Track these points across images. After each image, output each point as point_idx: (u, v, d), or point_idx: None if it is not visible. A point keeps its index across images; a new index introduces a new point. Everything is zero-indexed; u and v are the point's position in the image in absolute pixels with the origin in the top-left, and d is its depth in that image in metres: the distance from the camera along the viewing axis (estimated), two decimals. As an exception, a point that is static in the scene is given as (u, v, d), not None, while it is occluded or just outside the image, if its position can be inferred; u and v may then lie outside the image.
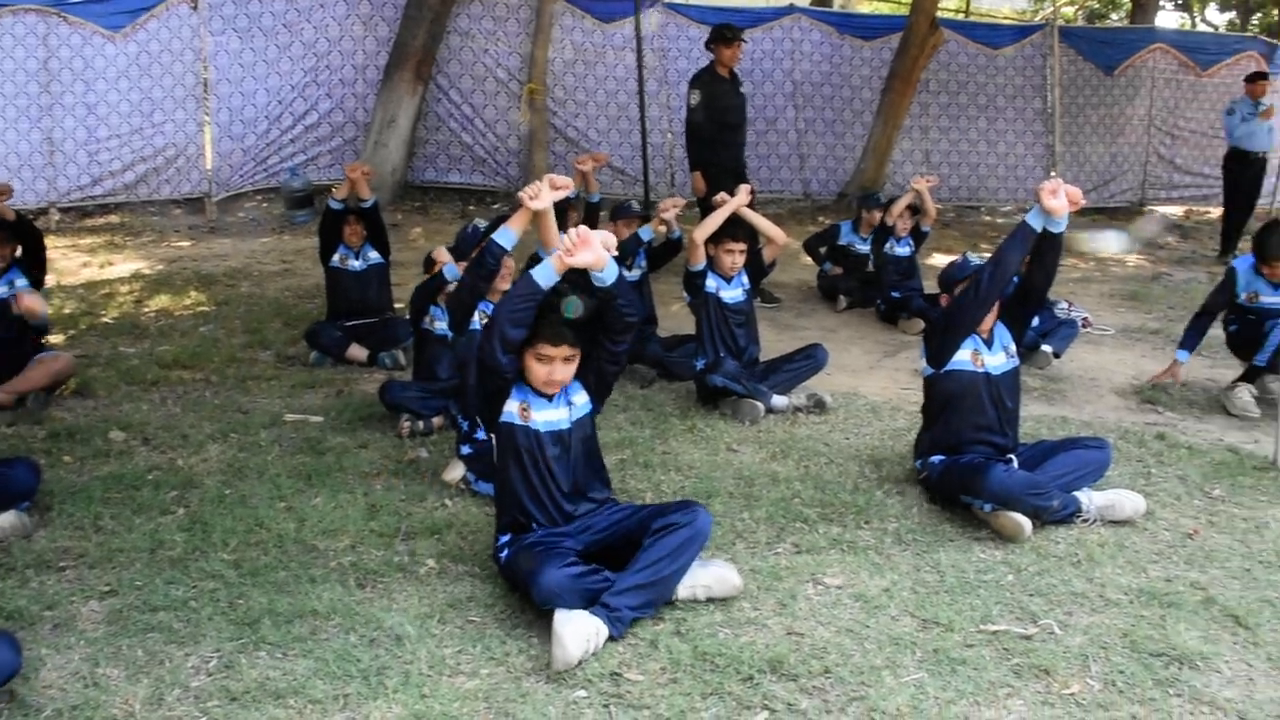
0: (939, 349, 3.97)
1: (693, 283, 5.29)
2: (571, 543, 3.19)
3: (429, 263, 5.23)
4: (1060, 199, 3.69)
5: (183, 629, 3.02)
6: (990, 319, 3.99)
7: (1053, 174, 11.96)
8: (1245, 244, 10.54)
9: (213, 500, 3.93)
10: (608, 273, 3.14)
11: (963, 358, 3.96)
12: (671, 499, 3.99)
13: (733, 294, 5.34)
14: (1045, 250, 3.90)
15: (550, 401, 3.27)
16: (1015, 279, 4.04)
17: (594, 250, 3.08)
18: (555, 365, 3.18)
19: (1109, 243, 5.41)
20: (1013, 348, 4.10)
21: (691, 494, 4.06)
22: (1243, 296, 5.67)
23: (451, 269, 4.72)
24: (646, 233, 5.80)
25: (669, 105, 11.28)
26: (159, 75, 9.99)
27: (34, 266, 5.20)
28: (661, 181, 11.39)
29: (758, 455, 4.56)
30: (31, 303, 4.69)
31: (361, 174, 5.93)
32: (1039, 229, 3.77)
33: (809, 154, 12.19)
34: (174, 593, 3.22)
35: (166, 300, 7.23)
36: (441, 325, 4.87)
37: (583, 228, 3.09)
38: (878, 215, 7.81)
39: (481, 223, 4.64)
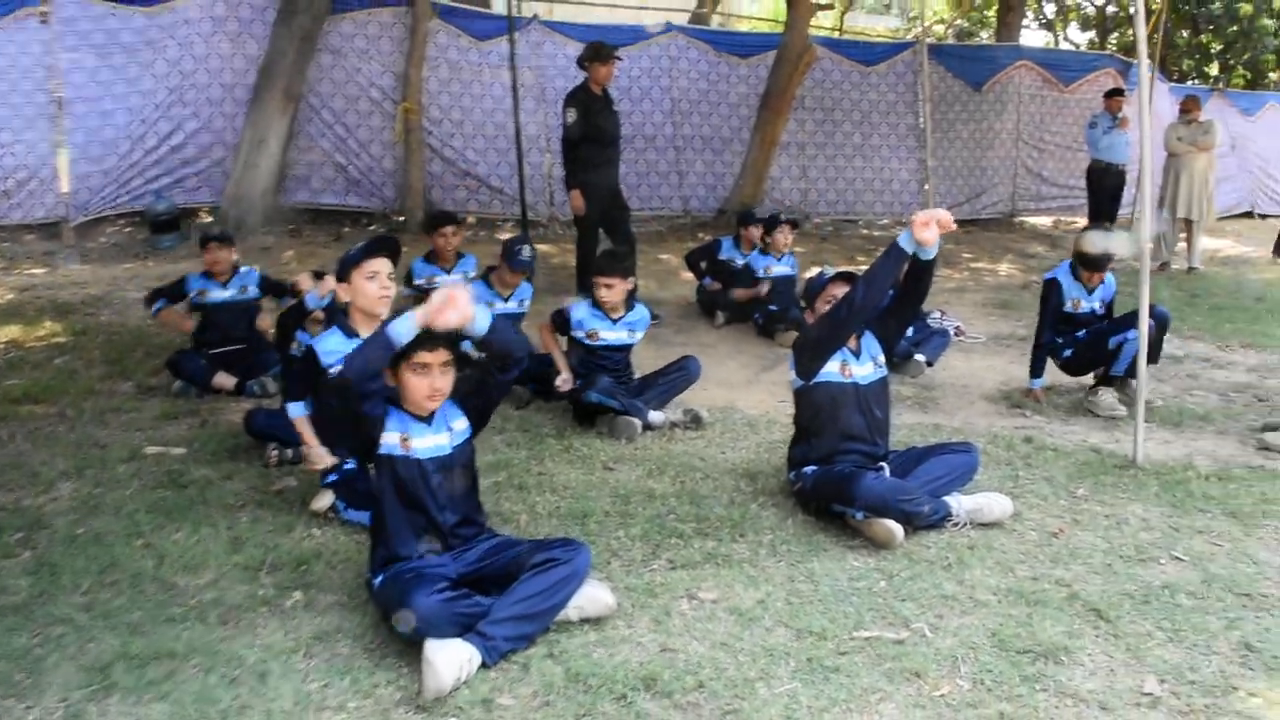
0: (808, 362, 4.06)
1: (563, 328, 5.46)
2: (445, 570, 3.15)
3: (293, 287, 5.13)
4: (931, 231, 3.79)
5: (24, 680, 2.86)
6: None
7: (925, 186, 12.37)
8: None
9: (63, 541, 3.74)
10: (478, 326, 3.09)
11: (831, 369, 4.06)
12: (547, 520, 4.00)
13: (614, 334, 5.43)
14: (920, 273, 4.03)
15: (430, 425, 3.22)
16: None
17: (461, 311, 2.99)
18: (434, 373, 3.13)
19: (1119, 246, 5.67)
20: (881, 358, 4.22)
21: (567, 515, 4.06)
22: (1068, 304, 5.88)
23: (313, 297, 4.65)
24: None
25: (547, 123, 11.28)
26: (5, 93, 9.53)
27: None
28: (540, 200, 11.39)
29: (634, 473, 4.58)
30: None
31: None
32: (909, 251, 3.87)
33: (688, 171, 12.34)
34: (15, 642, 3.05)
35: (17, 331, 6.89)
36: (312, 351, 4.76)
37: (447, 289, 3.00)
38: (755, 232, 7.97)
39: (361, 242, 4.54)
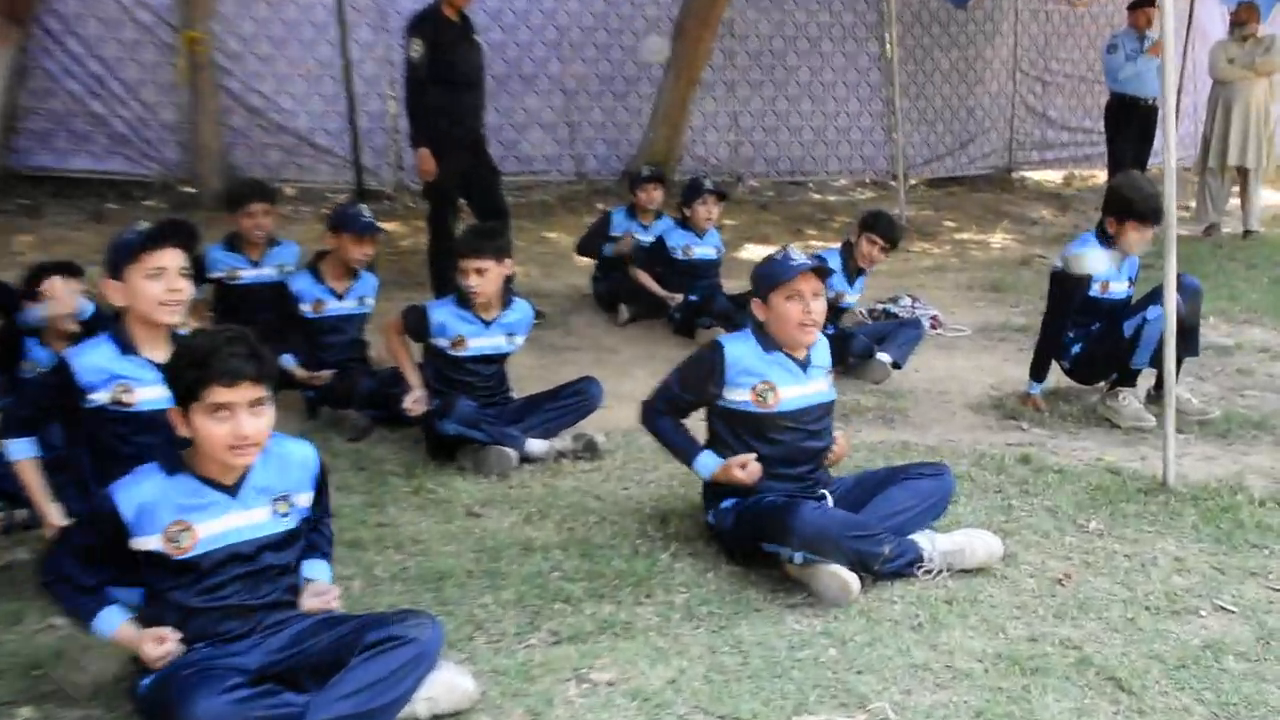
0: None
1: (420, 333, 5.49)
2: (242, 661, 3.11)
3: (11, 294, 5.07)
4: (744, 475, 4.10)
5: None
6: (807, 336, 4.20)
7: (894, 136, 12.61)
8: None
9: None
10: None
11: (742, 397, 4.21)
12: (390, 586, 4.01)
13: (487, 340, 5.49)
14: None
15: (234, 498, 3.17)
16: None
17: None
18: (240, 416, 3.08)
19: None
20: (830, 376, 4.39)
21: (417, 578, 4.06)
22: (1095, 286, 5.99)
23: (34, 314, 4.58)
24: None
25: (389, 59, 11.24)
26: None
27: None
28: (383, 163, 11.36)
29: (507, 519, 4.62)
30: None
31: None
32: (701, 475, 4.24)
33: (581, 121, 12.46)
34: None
35: None
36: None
37: None
38: (653, 194, 8.09)
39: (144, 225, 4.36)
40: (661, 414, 4.38)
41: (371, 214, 6.21)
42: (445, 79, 7.49)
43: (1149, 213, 5.78)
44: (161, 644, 3.07)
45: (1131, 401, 5.93)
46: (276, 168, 11.13)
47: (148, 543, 3.07)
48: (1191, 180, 12.73)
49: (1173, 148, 4.98)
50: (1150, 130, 11.52)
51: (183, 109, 10.75)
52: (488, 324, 5.45)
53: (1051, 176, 14.86)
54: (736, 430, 4.24)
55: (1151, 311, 5.62)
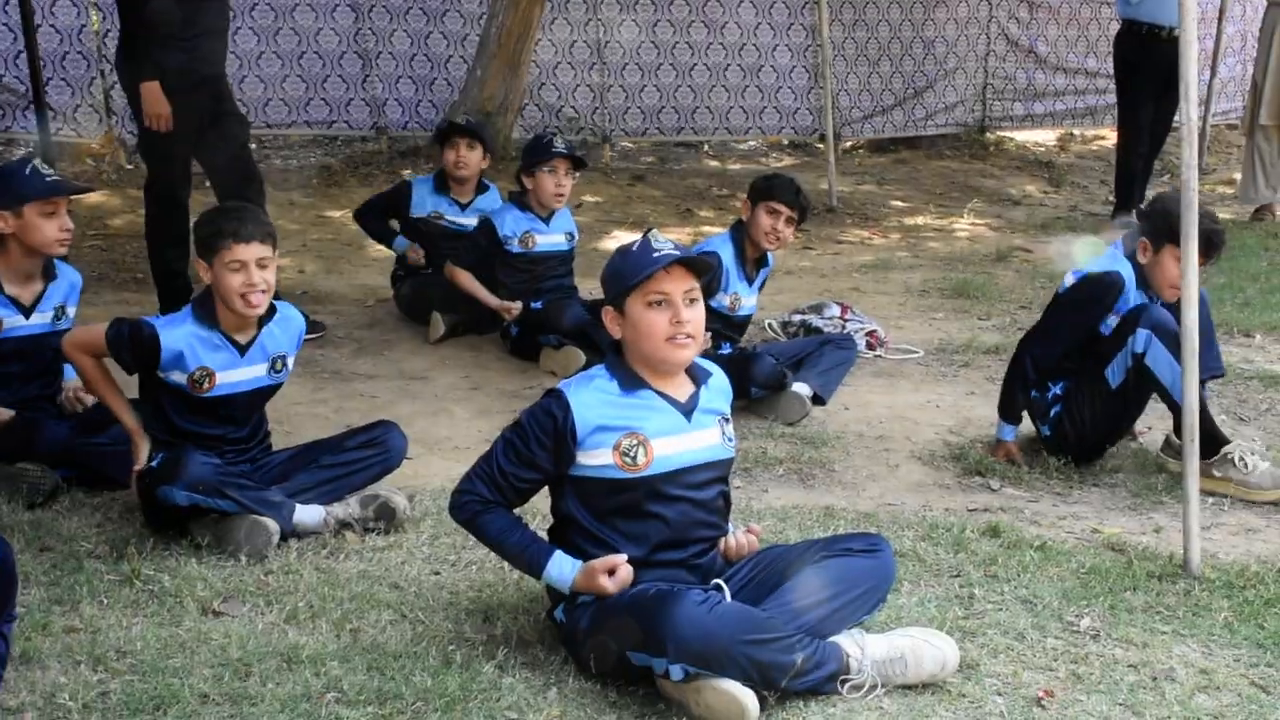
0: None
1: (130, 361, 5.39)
2: None
3: None
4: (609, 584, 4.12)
5: None
6: (684, 354, 4.24)
7: (822, 78, 12.78)
8: (1163, 185, 11.60)
9: None
10: None
11: (602, 460, 4.21)
12: (85, 718, 3.96)
13: (243, 374, 5.42)
14: None
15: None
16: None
17: None
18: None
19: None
20: (731, 425, 4.45)
21: (123, 704, 3.99)
22: (1111, 318, 6.05)
23: None
24: None
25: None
26: None
27: None
28: (84, 105, 11.18)
29: (262, 619, 4.56)
30: None
31: None
32: (565, 591, 4.23)
33: (377, 51, 12.47)
34: None
35: None
36: None
37: None
38: (471, 155, 8.20)
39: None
40: (488, 506, 4.32)
41: (58, 174, 5.99)
42: None
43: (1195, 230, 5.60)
44: None
45: (1258, 461, 5.88)
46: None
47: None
48: (1236, 143, 12.99)
49: (1193, 95, 5.09)
50: (1173, 71, 11.54)
51: None
52: (243, 349, 5.41)
53: (1040, 137, 15.11)
54: (597, 508, 4.26)
55: (1139, 340, 5.80)
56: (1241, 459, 5.83)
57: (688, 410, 4.26)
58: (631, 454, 4.17)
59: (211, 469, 5.11)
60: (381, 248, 8.75)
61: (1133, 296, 6.01)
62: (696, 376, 4.32)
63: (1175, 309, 5.33)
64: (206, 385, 5.28)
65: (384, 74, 12.48)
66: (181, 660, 4.26)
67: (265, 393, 5.50)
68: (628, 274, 4.18)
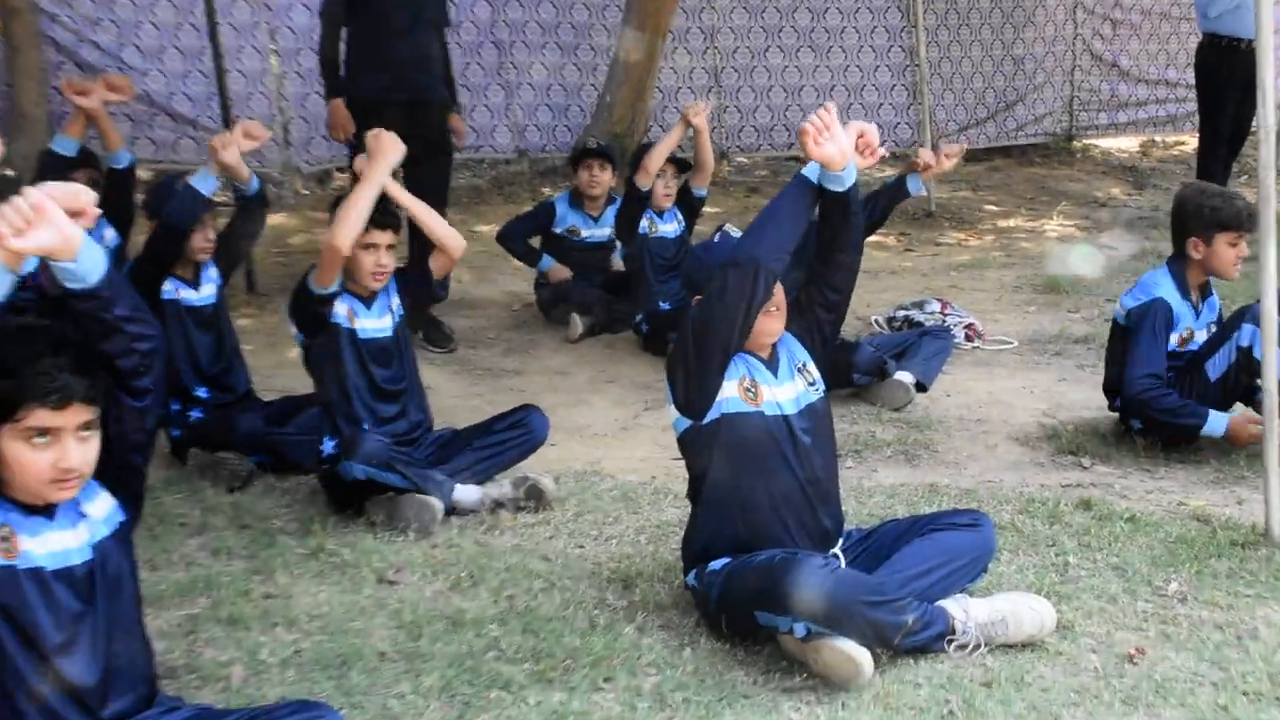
0: (688, 384, 4.21)
1: (312, 312, 5.38)
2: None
3: None
4: (829, 145, 3.98)
5: None
6: (770, 324, 4.27)
7: (920, 95, 12.72)
8: (1246, 187, 11.37)
9: None
10: (83, 264, 3.04)
11: (730, 393, 4.21)
12: (279, 673, 4.05)
13: (376, 323, 5.51)
14: (831, 214, 4.21)
15: (50, 520, 3.24)
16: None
17: (55, 226, 2.96)
18: (66, 443, 3.15)
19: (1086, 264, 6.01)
20: (813, 368, 4.41)
21: (314, 662, 4.11)
22: (1174, 339, 5.97)
23: None
24: None
25: (266, 3, 11.26)
26: None
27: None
28: (268, 138, 11.36)
29: (430, 587, 4.66)
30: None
31: None
32: (814, 181, 4.09)
33: (519, 83, 12.52)
34: None
35: None
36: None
37: (40, 189, 2.98)
38: (603, 175, 8.28)
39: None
40: None
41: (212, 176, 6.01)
42: (371, 8, 7.62)
43: (1237, 212, 5.87)
44: None
45: None
46: (125, 141, 11.03)
47: None
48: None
49: (1269, 100, 5.05)
50: (1253, 82, 11.30)
51: None
52: (368, 301, 5.49)
53: (1125, 144, 14.89)
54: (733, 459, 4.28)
55: (1245, 333, 5.75)
56: None
57: (773, 364, 4.33)
58: (757, 388, 4.24)
59: (384, 446, 5.22)
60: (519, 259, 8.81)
61: (1179, 307, 5.95)
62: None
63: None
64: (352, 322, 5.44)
65: (524, 103, 12.54)
66: (362, 623, 4.39)
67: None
68: (715, 260, 4.29)
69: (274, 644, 4.26)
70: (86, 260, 3.03)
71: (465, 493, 5.32)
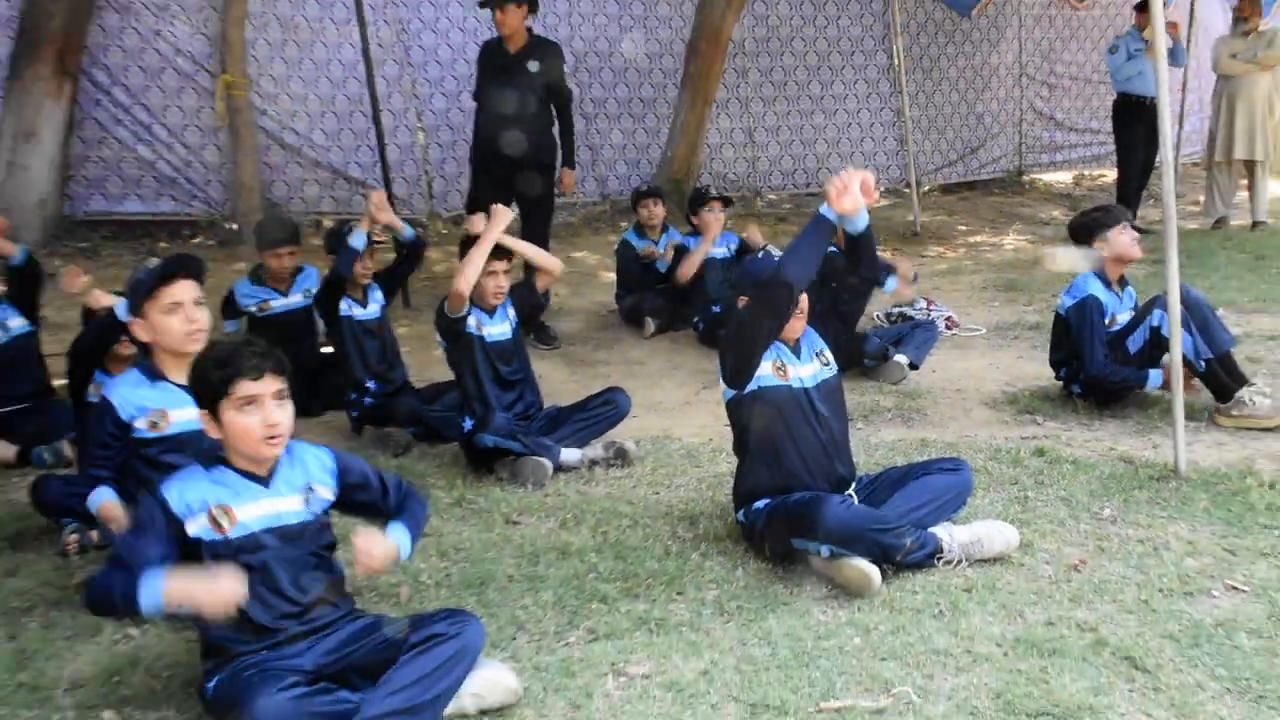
0: (735, 362, 4.25)
1: (450, 329, 5.46)
2: (298, 662, 3.20)
3: (86, 313, 5.18)
4: (850, 199, 4.06)
5: None
6: (797, 323, 4.29)
7: (905, 145, 12.65)
8: (1154, 209, 11.32)
9: None
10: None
11: (763, 371, 4.24)
12: (435, 592, 4.10)
13: (498, 329, 5.54)
14: (857, 248, 4.43)
15: (266, 487, 3.28)
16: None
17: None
18: (267, 406, 3.20)
19: (1069, 260, 6.00)
20: (828, 354, 4.43)
21: (460, 583, 4.16)
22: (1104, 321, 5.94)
23: (124, 307, 4.67)
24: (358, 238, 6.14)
25: (414, 93, 11.38)
26: None
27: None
28: (415, 192, 11.47)
29: (544, 526, 4.72)
30: None
31: None
32: (835, 221, 4.13)
33: (601, 144, 12.54)
34: None
35: None
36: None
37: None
38: (656, 209, 8.30)
39: (154, 261, 4.55)
40: None
41: (364, 232, 6.18)
42: (485, 106, 7.79)
43: (1115, 212, 6.04)
44: (217, 591, 3.03)
45: (1261, 400, 5.68)
46: (313, 201, 11.30)
47: (195, 526, 3.18)
48: (1199, 175, 12.71)
49: (1167, 142, 5.15)
50: (1155, 127, 11.25)
51: (223, 149, 10.90)
52: (492, 313, 5.56)
53: (1061, 177, 14.84)
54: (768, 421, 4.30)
55: (1156, 315, 5.75)
56: (1251, 400, 5.67)
57: (796, 349, 4.34)
58: (785, 367, 4.27)
59: (507, 421, 5.32)
60: (610, 276, 8.82)
61: (1107, 298, 5.94)
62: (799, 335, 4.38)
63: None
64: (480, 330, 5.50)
65: (605, 159, 12.58)
66: (494, 553, 4.46)
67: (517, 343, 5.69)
68: (756, 273, 4.40)
69: (430, 570, 4.33)
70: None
71: (569, 454, 5.38)
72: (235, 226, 10.79)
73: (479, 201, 7.53)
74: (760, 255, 4.47)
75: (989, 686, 3.33)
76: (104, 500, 4.04)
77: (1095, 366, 5.86)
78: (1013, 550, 4.20)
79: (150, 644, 3.83)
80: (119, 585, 3.05)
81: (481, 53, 7.99)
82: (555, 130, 7.96)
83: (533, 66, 7.71)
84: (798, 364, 4.32)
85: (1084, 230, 6.04)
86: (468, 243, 5.50)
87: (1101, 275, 5.98)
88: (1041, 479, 5.01)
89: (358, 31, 9.55)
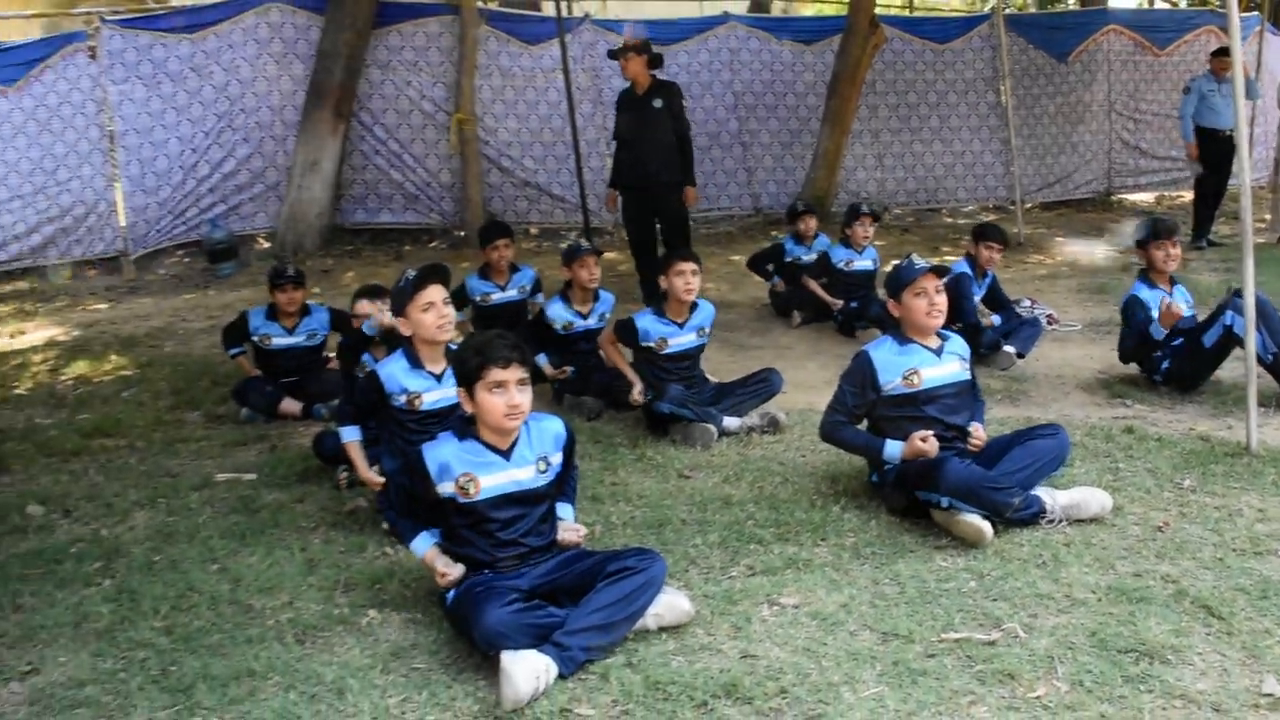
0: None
1: (630, 340, 5.57)
2: (517, 583, 3.28)
3: (346, 320, 5.53)
4: (918, 454, 4.05)
5: (111, 702, 3.06)
6: (938, 321, 4.22)
7: (1011, 169, 12.26)
8: (1224, 225, 10.91)
9: (140, 568, 3.97)
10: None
11: (895, 382, 4.22)
12: (622, 531, 4.13)
13: (683, 339, 5.56)
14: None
15: (508, 460, 3.36)
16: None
17: None
18: (511, 390, 3.27)
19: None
20: (967, 353, 4.36)
21: (643, 524, 4.17)
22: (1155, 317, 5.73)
23: (369, 326, 4.95)
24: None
25: (605, 127, 11.45)
26: (60, 130, 10.00)
27: None
28: (604, 208, 11.56)
29: (710, 480, 4.70)
30: None
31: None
32: (891, 462, 4.16)
33: (756, 167, 12.46)
34: (101, 666, 3.27)
35: (85, 366, 7.25)
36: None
37: None
38: (811, 223, 8.16)
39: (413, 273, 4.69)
40: (842, 424, 4.31)
41: (590, 243, 6.28)
42: (619, 136, 7.94)
43: (1163, 231, 5.83)
44: (445, 576, 3.32)
45: None
46: (523, 214, 11.56)
47: (446, 488, 3.31)
48: (1266, 196, 12.12)
49: (1246, 167, 4.84)
50: (1228, 156, 10.74)
51: (455, 172, 11.20)
52: (681, 326, 5.54)
53: (1144, 198, 14.26)
54: (891, 415, 4.22)
55: (1228, 316, 5.50)
56: None
57: (938, 352, 4.22)
58: (910, 378, 4.15)
59: (681, 392, 5.30)
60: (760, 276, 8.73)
61: (1145, 294, 5.81)
62: (941, 336, 4.26)
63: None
64: (664, 348, 5.51)
65: (759, 179, 12.47)
66: (670, 501, 4.46)
67: (698, 350, 5.68)
68: (902, 278, 4.20)
69: (618, 513, 4.35)
70: None
71: (730, 422, 5.34)
72: (463, 233, 11.07)
73: (629, 212, 7.95)
74: (905, 263, 4.30)
75: (1085, 626, 3.23)
76: (349, 439, 4.40)
77: (1121, 351, 5.95)
78: (1106, 513, 4.05)
79: (404, 560, 3.96)
80: (401, 528, 3.48)
81: (618, 99, 8.06)
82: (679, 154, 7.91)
83: (657, 104, 7.73)
84: (934, 365, 4.24)
85: (1135, 244, 6.02)
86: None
87: (1146, 281, 5.88)
88: (1131, 453, 4.82)
89: (562, 78, 9.69)
